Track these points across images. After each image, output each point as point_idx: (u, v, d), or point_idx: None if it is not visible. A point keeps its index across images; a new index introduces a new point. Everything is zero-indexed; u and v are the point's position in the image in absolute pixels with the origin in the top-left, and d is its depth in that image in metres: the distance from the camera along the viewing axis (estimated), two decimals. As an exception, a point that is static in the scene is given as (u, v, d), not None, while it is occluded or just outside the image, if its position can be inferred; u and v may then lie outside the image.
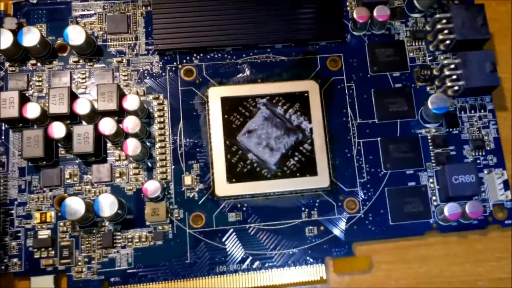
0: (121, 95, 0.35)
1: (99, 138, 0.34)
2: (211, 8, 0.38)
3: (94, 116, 0.35)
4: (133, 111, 0.34)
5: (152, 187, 0.33)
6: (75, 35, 0.35)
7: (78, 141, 0.33)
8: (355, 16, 0.39)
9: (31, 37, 0.35)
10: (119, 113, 0.35)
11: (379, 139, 0.37)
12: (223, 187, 0.35)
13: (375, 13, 0.39)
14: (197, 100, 0.37)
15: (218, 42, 0.38)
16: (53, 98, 0.34)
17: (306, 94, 0.37)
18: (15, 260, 0.33)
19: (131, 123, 0.33)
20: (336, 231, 0.35)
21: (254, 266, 0.34)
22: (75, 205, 0.31)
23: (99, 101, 0.34)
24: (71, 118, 0.35)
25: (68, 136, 0.34)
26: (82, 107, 0.34)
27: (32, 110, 0.33)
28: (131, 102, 0.34)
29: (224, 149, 0.36)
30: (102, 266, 0.33)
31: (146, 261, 0.34)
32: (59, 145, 0.35)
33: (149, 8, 0.39)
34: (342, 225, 0.35)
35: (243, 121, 0.36)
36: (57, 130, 0.33)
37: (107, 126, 0.33)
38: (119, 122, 0.34)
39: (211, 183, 0.35)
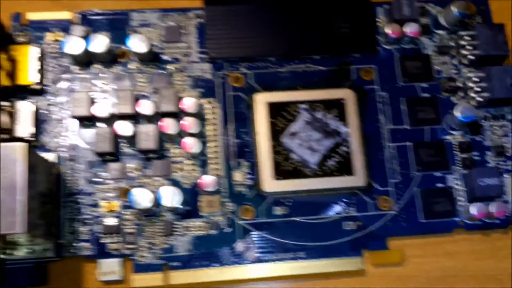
0: (179, 98, 0.39)
1: (159, 136, 0.38)
2: (257, 22, 0.42)
3: (155, 116, 0.38)
4: (192, 113, 0.38)
5: (208, 181, 0.37)
6: (138, 43, 0.39)
7: (142, 138, 0.37)
8: (388, 31, 0.43)
9: (99, 44, 0.38)
10: (176, 115, 0.39)
11: (409, 143, 0.41)
12: (269, 183, 0.38)
13: (406, 30, 0.43)
14: (244, 105, 0.41)
15: (263, 52, 0.42)
16: (119, 99, 0.38)
17: (342, 101, 0.41)
18: (84, 244, 0.36)
19: (192, 124, 0.37)
20: (372, 227, 0.39)
21: (299, 256, 0.37)
22: (143, 196, 0.35)
23: (162, 103, 0.38)
24: (134, 118, 0.38)
25: (131, 135, 0.37)
26: (145, 107, 0.37)
27: (102, 110, 0.37)
28: (191, 105, 0.38)
29: (269, 149, 0.39)
30: (163, 252, 0.37)
31: (202, 248, 0.37)
32: (121, 141, 0.38)
33: (201, 20, 0.42)
34: (377, 221, 0.39)
35: (286, 124, 0.40)
36: (125, 128, 0.37)
37: (171, 125, 0.37)
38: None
39: (258, 179, 0.39)
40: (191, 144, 0.37)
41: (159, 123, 0.37)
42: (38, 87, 0.38)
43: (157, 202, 0.36)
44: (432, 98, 0.43)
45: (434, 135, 0.42)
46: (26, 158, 0.31)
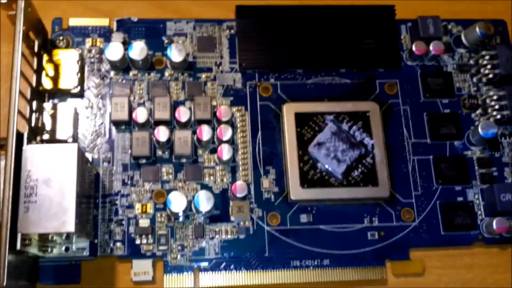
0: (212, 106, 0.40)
1: (193, 142, 0.40)
2: (286, 35, 0.44)
3: (189, 123, 0.40)
4: (226, 121, 0.39)
5: (239, 187, 0.38)
6: (175, 52, 0.40)
7: (179, 143, 0.38)
8: (413, 48, 0.44)
9: (138, 50, 0.40)
10: (210, 122, 0.40)
11: (431, 157, 0.43)
12: (296, 192, 0.40)
13: (431, 47, 0.44)
14: (273, 114, 0.42)
15: (292, 64, 0.43)
16: (157, 105, 0.39)
17: (367, 114, 0.43)
18: (118, 244, 0.37)
19: (227, 132, 0.39)
20: (394, 237, 0.40)
21: (323, 263, 0.39)
22: (178, 200, 0.36)
23: (196, 111, 0.40)
24: (169, 124, 0.40)
25: (167, 140, 0.39)
26: (183, 114, 0.39)
27: (141, 115, 0.38)
28: (225, 113, 0.39)
29: (297, 158, 0.41)
30: (193, 254, 0.38)
31: (231, 252, 0.38)
32: (157, 146, 0.40)
33: (232, 31, 0.44)
34: (399, 232, 0.40)
35: (313, 135, 0.42)
36: (162, 133, 0.38)
37: (205, 132, 0.38)
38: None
39: (285, 187, 0.40)
40: (226, 151, 0.38)
41: (196, 129, 0.39)
42: (77, 90, 0.40)
43: (190, 206, 0.37)
44: (453, 114, 0.44)
45: (454, 149, 0.43)
46: (76, 158, 0.32)
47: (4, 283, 0.29)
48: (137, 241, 0.38)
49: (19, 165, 0.32)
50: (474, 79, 0.45)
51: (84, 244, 0.36)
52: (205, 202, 0.37)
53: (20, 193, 0.31)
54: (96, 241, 0.37)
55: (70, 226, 0.31)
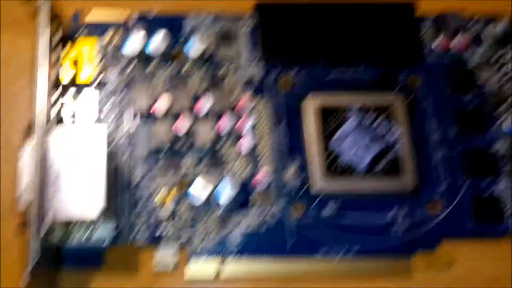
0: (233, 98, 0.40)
1: (214, 133, 0.39)
2: (308, 27, 0.43)
3: (210, 114, 0.40)
4: (246, 112, 0.39)
5: (261, 177, 0.38)
6: (195, 45, 0.40)
7: (199, 135, 0.38)
8: (436, 43, 0.44)
9: (158, 43, 0.40)
10: (231, 113, 0.40)
11: (457, 150, 0.42)
12: (319, 183, 0.39)
13: (454, 42, 0.44)
14: (294, 106, 0.42)
15: (314, 56, 0.43)
16: (178, 97, 0.39)
17: (391, 107, 0.42)
18: (140, 232, 0.37)
19: (248, 122, 0.38)
20: (421, 229, 0.39)
21: (348, 255, 0.38)
22: (201, 189, 0.36)
23: (216, 102, 0.39)
24: (190, 115, 0.40)
25: (188, 130, 0.38)
26: (203, 106, 0.39)
27: (162, 106, 0.38)
28: (247, 104, 0.39)
29: (320, 150, 0.40)
30: (216, 243, 0.37)
31: (254, 242, 0.38)
32: (177, 137, 0.39)
33: (252, 25, 0.44)
34: (427, 224, 0.39)
35: (336, 127, 0.41)
36: (183, 124, 0.38)
37: (226, 123, 0.38)
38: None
39: (308, 178, 0.39)
40: (246, 142, 0.38)
41: (217, 121, 0.39)
42: (97, 82, 0.40)
43: (213, 195, 0.36)
44: (477, 109, 0.43)
45: (480, 144, 0.42)
46: (105, 140, 0.32)
47: (33, 265, 0.29)
48: (159, 229, 0.37)
49: (45, 151, 0.31)
50: (498, 75, 0.45)
51: (107, 230, 0.36)
52: (227, 191, 0.37)
53: (47, 178, 0.31)
54: (118, 228, 0.37)
55: (98, 211, 0.31)
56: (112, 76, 0.41)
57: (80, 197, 0.31)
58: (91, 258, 0.36)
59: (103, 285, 0.36)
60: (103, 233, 0.36)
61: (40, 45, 0.33)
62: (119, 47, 0.42)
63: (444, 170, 0.41)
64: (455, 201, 0.40)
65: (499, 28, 0.44)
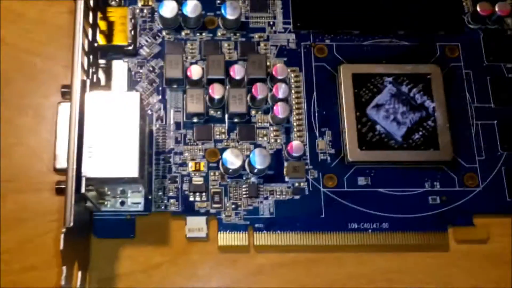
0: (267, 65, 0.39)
1: (248, 100, 0.39)
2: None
3: (244, 81, 0.39)
4: (281, 79, 0.38)
5: (296, 146, 0.37)
6: (231, 10, 0.40)
7: (233, 101, 0.37)
8: (478, 9, 0.42)
9: (193, 8, 0.39)
10: (264, 80, 0.39)
11: (495, 122, 0.40)
12: (354, 153, 0.38)
13: (497, 8, 0.42)
14: (329, 75, 0.41)
15: (348, 25, 0.42)
16: (211, 63, 0.38)
17: (428, 76, 0.41)
18: (172, 201, 0.37)
19: (283, 90, 0.38)
20: (457, 203, 0.38)
21: (382, 227, 0.37)
22: (234, 156, 0.36)
23: (250, 69, 0.39)
24: (223, 82, 0.39)
25: (221, 98, 0.38)
26: (237, 72, 0.38)
27: (196, 72, 0.38)
28: (282, 71, 0.38)
29: (355, 120, 0.39)
30: (247, 213, 0.37)
31: (285, 212, 0.37)
32: (210, 105, 0.39)
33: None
34: (462, 197, 0.38)
35: (371, 96, 0.40)
36: (218, 90, 0.37)
37: (261, 90, 0.37)
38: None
39: (343, 148, 0.39)
40: (282, 109, 0.37)
41: (254, 87, 0.38)
42: (131, 48, 0.39)
43: (246, 164, 0.36)
44: (518, 78, 0.42)
45: (519, 115, 0.41)
46: (139, 106, 0.32)
47: (71, 224, 0.29)
48: (191, 198, 0.37)
49: (82, 111, 0.31)
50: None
51: (139, 199, 0.36)
52: (261, 159, 0.36)
53: (84, 138, 0.31)
54: (150, 197, 0.37)
55: (136, 172, 0.31)
56: (144, 42, 0.40)
57: (116, 157, 0.31)
58: (123, 226, 0.36)
59: (136, 253, 0.37)
60: (135, 201, 0.36)
61: (78, 9, 0.33)
62: (151, 13, 0.41)
63: (482, 142, 0.40)
64: (492, 175, 0.39)
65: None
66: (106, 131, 0.32)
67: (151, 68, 0.40)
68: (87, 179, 0.31)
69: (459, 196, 0.38)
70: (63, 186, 0.31)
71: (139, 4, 0.41)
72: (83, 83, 0.33)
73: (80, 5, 0.34)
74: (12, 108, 0.39)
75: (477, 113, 0.41)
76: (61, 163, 0.33)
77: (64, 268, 0.30)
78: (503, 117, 0.40)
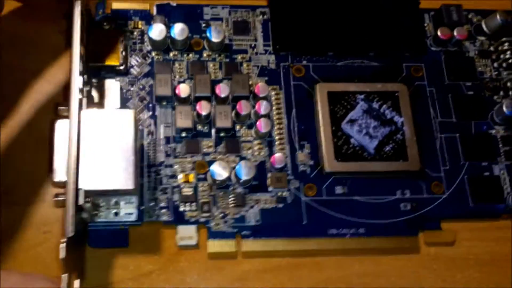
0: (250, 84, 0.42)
1: (233, 116, 0.41)
2: (317, 19, 0.46)
3: (228, 98, 0.42)
4: (263, 97, 0.41)
5: (278, 158, 0.40)
6: (216, 33, 0.43)
7: (219, 117, 0.40)
8: (438, 33, 0.46)
9: (180, 32, 0.42)
10: (248, 98, 0.42)
11: (457, 135, 0.44)
12: (331, 164, 0.42)
13: (455, 33, 0.46)
14: (306, 93, 0.44)
15: (323, 47, 0.46)
16: (198, 82, 0.41)
17: (396, 94, 0.45)
18: (164, 211, 0.39)
19: (264, 106, 0.41)
20: (426, 209, 0.42)
21: (359, 232, 0.40)
22: (221, 169, 0.38)
23: (234, 87, 0.42)
24: (209, 100, 0.42)
25: (208, 114, 0.41)
26: (223, 90, 0.41)
27: (184, 90, 0.40)
28: (263, 90, 0.41)
29: (331, 134, 0.42)
30: (235, 221, 0.39)
31: (270, 220, 0.40)
32: (197, 120, 0.42)
33: (265, 16, 0.46)
34: (430, 204, 0.42)
35: (345, 112, 0.44)
36: (205, 107, 0.40)
37: (245, 106, 0.40)
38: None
39: (320, 160, 0.42)
40: (264, 124, 0.40)
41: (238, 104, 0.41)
42: (122, 68, 0.42)
43: (232, 175, 0.39)
44: (476, 96, 0.46)
45: (479, 128, 0.45)
46: (134, 123, 0.34)
47: (72, 234, 0.31)
48: (181, 208, 0.39)
49: (79, 128, 0.34)
50: (495, 64, 0.47)
51: (132, 210, 0.38)
52: (247, 171, 0.39)
53: (82, 153, 0.33)
54: (142, 207, 0.39)
55: (132, 184, 0.33)
56: (134, 62, 0.43)
57: (113, 171, 0.33)
58: (117, 236, 0.38)
59: (128, 262, 0.38)
60: (128, 212, 0.38)
61: (75, 29, 0.35)
62: (141, 35, 0.44)
63: (446, 153, 0.44)
64: (456, 183, 0.43)
65: (496, 20, 0.47)
66: (102, 146, 0.34)
67: (141, 86, 0.42)
68: (86, 191, 0.33)
69: (427, 203, 0.42)
70: (63, 198, 0.33)
71: (129, 27, 0.44)
72: (80, 101, 0.35)
73: (77, 27, 0.36)
74: (8, 125, 0.41)
75: (441, 127, 0.45)
76: (59, 177, 0.35)
77: (64, 276, 0.32)
78: (464, 130, 0.45)
